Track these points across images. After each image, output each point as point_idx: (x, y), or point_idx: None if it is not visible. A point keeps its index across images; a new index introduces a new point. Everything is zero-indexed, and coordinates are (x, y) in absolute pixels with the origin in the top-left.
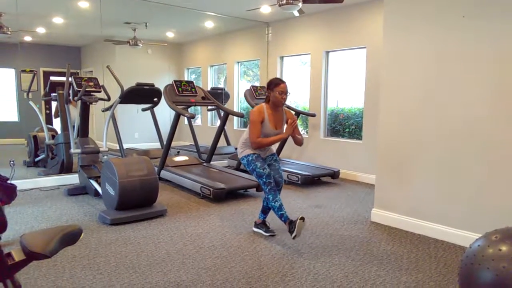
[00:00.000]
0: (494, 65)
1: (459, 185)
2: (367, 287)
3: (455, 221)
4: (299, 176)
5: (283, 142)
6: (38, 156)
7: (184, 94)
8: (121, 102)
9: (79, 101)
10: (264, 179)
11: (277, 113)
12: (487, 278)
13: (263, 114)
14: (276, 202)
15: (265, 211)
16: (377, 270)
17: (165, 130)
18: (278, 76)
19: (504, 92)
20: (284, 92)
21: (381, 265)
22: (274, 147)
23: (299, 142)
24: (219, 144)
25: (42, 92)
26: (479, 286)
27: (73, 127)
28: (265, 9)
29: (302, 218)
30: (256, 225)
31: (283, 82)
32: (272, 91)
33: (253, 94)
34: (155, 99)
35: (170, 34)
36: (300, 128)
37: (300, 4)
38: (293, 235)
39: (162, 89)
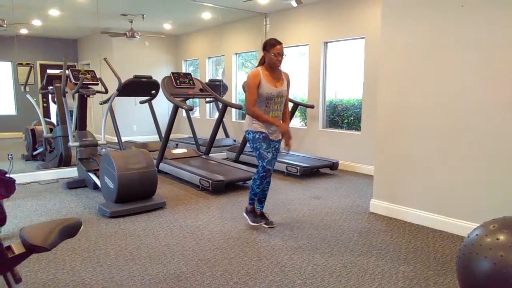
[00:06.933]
0: (492, 53)
1: (457, 174)
2: (366, 277)
3: (453, 211)
4: (298, 168)
5: None
6: (36, 149)
7: (182, 86)
8: (118, 95)
9: (77, 94)
10: (265, 162)
11: (274, 73)
12: (485, 267)
13: (259, 76)
14: (258, 188)
15: (260, 200)
16: (376, 260)
17: (163, 122)
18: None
19: (501, 80)
20: (280, 54)
21: (380, 255)
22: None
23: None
24: (217, 136)
25: (39, 85)
26: (477, 275)
27: (71, 119)
28: (263, 0)
29: (271, 226)
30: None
31: (280, 44)
32: (268, 53)
33: None
34: (153, 92)
35: (167, 26)
36: (299, 120)
37: None
38: (252, 223)
39: (159, 81)
